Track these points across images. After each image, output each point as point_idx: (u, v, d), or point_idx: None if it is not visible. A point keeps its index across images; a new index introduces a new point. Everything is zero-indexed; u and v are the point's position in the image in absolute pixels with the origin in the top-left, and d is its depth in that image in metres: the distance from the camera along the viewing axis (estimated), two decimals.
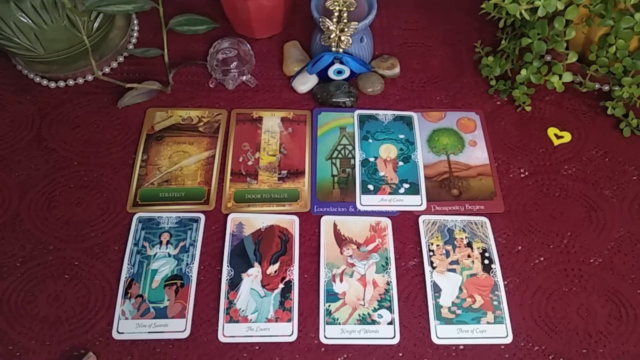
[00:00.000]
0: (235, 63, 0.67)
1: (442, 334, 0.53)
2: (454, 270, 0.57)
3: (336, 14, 0.61)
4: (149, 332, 0.53)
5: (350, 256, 0.57)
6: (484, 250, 0.58)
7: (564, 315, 0.54)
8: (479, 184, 0.63)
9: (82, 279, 0.55)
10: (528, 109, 0.68)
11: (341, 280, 0.56)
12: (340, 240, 0.58)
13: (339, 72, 0.66)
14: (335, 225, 0.59)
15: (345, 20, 0.61)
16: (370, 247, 0.58)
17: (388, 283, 0.56)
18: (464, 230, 0.59)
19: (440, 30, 0.76)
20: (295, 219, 0.59)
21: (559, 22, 0.59)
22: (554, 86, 0.62)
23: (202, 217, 0.59)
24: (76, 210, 0.59)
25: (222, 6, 0.72)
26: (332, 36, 0.62)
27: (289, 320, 0.53)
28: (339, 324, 0.53)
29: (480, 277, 0.56)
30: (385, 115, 0.67)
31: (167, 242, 0.57)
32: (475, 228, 0.59)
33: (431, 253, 0.58)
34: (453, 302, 0.55)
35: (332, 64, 0.65)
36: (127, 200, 0.60)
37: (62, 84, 0.68)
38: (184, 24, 0.66)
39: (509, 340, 0.53)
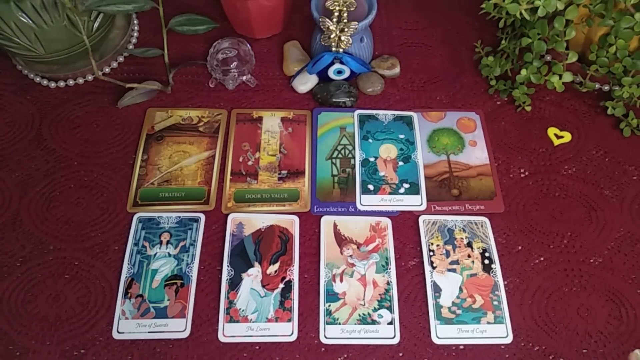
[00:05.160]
0: (235, 63, 0.67)
1: (442, 334, 0.53)
2: (454, 270, 0.57)
3: (336, 14, 0.61)
4: (149, 332, 0.53)
5: (350, 256, 0.57)
6: (484, 250, 0.58)
7: (564, 315, 0.54)
8: (479, 184, 0.63)
9: (82, 278, 0.55)
10: (528, 109, 0.68)
11: (341, 280, 0.56)
12: (340, 240, 0.58)
13: (339, 72, 0.66)
14: (335, 225, 0.59)
15: (345, 20, 0.61)
16: (370, 247, 0.58)
17: (388, 283, 0.56)
18: (464, 230, 0.59)
19: (440, 30, 0.76)
20: (295, 218, 0.59)
21: (559, 22, 0.59)
22: (554, 86, 0.63)
23: (202, 217, 0.59)
24: (76, 210, 0.59)
25: (222, 6, 0.72)
26: (332, 36, 0.62)
27: (289, 320, 0.53)
28: (339, 323, 0.53)
29: (480, 277, 0.56)
30: (385, 115, 0.67)
31: (167, 242, 0.57)
32: (475, 228, 0.59)
33: (431, 253, 0.58)
34: (453, 302, 0.55)
35: (332, 64, 0.65)
36: (127, 200, 0.60)
37: (62, 84, 0.68)
38: (184, 24, 0.66)
39: (509, 340, 0.53)
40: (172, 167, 0.63)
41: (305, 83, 0.68)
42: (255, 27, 0.71)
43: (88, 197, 0.60)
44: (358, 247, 0.58)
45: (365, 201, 0.61)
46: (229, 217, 0.59)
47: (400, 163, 0.64)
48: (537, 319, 0.54)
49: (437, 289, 0.56)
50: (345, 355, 0.52)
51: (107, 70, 0.70)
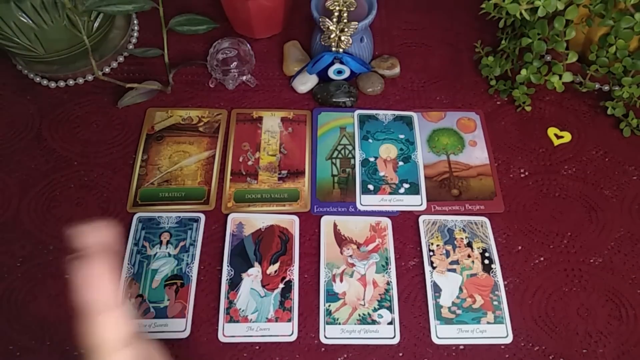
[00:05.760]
0: (235, 63, 0.67)
1: (442, 334, 0.53)
2: (454, 270, 0.57)
3: (336, 14, 0.61)
4: (148, 332, 0.52)
5: (350, 256, 0.57)
6: (484, 250, 0.58)
7: (564, 315, 0.54)
8: (479, 184, 0.63)
9: None
10: (528, 109, 0.68)
11: (341, 280, 0.56)
12: (340, 240, 0.58)
13: (339, 72, 0.66)
14: (335, 225, 0.59)
15: (345, 20, 0.61)
16: (370, 247, 0.58)
17: (388, 283, 0.56)
18: (464, 230, 0.59)
19: (440, 30, 0.76)
20: (295, 218, 0.59)
21: (559, 22, 0.59)
22: (554, 86, 0.62)
23: (202, 217, 0.59)
24: (76, 210, 0.59)
25: (222, 6, 0.72)
26: (332, 36, 0.62)
27: (289, 320, 0.53)
28: (339, 323, 0.53)
29: (480, 277, 0.56)
30: (385, 115, 0.67)
31: (167, 242, 0.57)
32: (475, 228, 0.59)
33: (431, 253, 0.58)
34: (453, 302, 0.55)
35: (332, 64, 0.65)
36: (127, 200, 0.60)
37: (62, 84, 0.68)
38: (184, 24, 0.66)
39: (509, 340, 0.53)
40: (172, 167, 0.63)
41: (305, 83, 0.68)
42: (255, 27, 0.71)
43: (88, 197, 0.60)
44: (358, 247, 0.58)
45: (365, 201, 0.61)
46: (229, 217, 0.59)
47: (400, 163, 0.64)
48: (537, 319, 0.54)
49: (437, 289, 0.56)
50: (345, 355, 0.52)
51: (107, 70, 0.70)
